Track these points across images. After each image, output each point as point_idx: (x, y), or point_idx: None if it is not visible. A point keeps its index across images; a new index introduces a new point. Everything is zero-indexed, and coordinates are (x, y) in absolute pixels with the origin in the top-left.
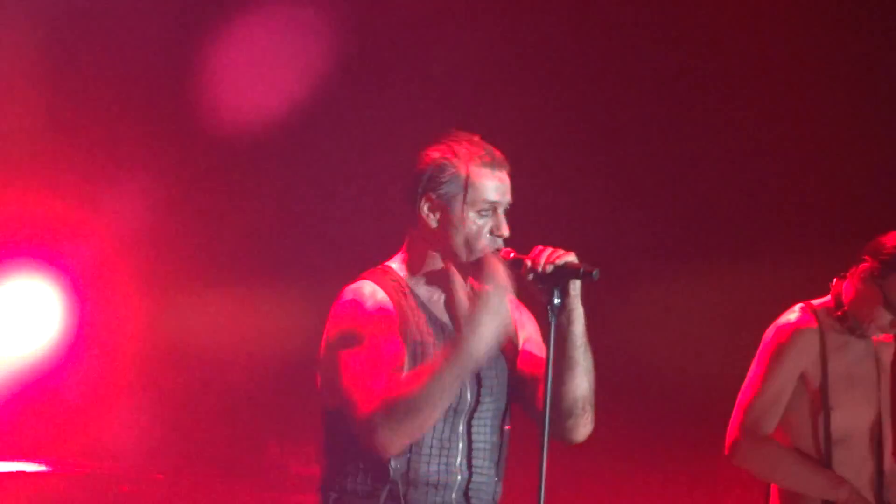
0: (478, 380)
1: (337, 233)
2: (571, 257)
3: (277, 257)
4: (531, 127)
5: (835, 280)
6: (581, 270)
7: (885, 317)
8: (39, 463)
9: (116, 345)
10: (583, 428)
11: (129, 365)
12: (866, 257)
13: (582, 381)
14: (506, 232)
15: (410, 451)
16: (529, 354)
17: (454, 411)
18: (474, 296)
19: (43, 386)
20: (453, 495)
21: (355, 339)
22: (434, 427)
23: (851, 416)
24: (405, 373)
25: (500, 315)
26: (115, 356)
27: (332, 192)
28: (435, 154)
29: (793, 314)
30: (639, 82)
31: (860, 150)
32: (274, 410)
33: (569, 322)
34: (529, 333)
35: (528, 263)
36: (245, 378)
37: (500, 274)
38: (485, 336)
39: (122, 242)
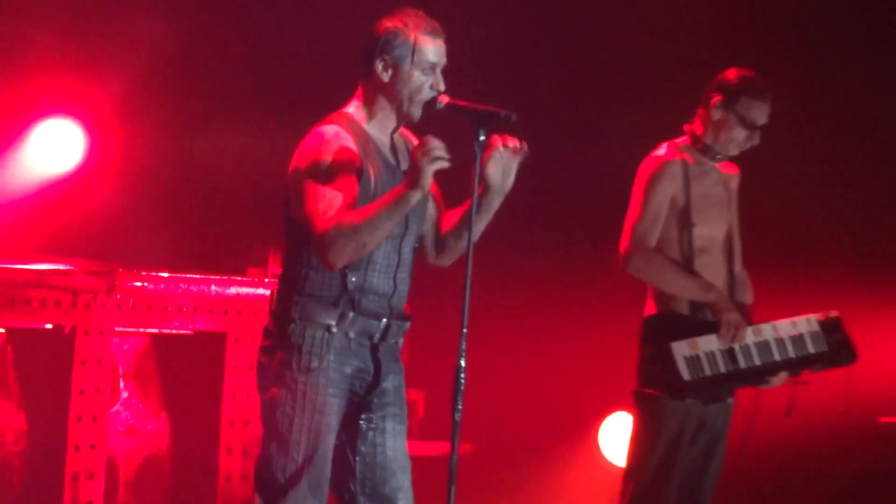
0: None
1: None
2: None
3: (271, 95)
4: None
5: (685, 125)
6: (501, 113)
7: (742, 133)
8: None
9: (135, 164)
10: (454, 259)
11: (147, 181)
12: (713, 93)
13: (484, 220)
14: (442, 86)
15: (366, 267)
16: (439, 192)
17: (393, 236)
18: (416, 151)
19: (70, 195)
20: (388, 302)
21: (319, 170)
22: (384, 248)
23: (709, 230)
24: (357, 205)
25: (429, 178)
26: (134, 174)
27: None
28: (388, 24)
29: (661, 150)
30: None
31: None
32: (261, 217)
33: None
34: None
35: (460, 104)
36: (241, 193)
37: (436, 144)
38: (417, 194)
39: (139, 81)
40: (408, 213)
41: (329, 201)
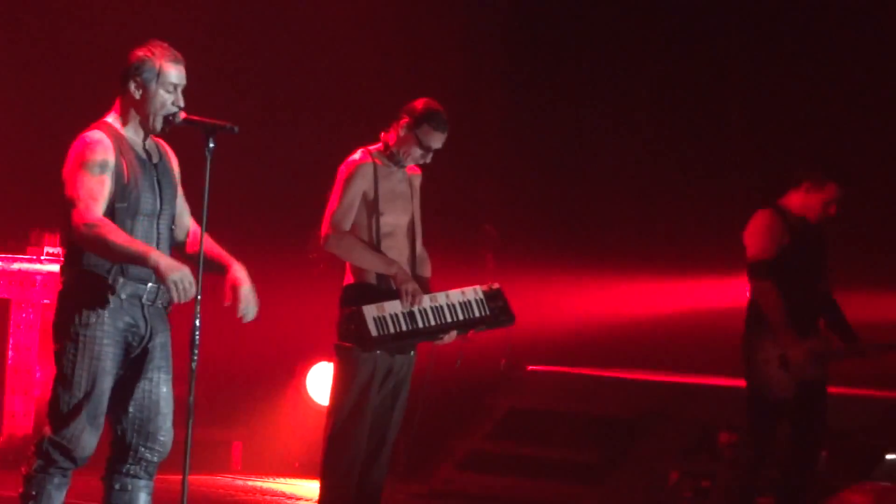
0: (159, 193)
1: None
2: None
3: None
4: None
5: (381, 133)
6: (226, 125)
7: (417, 152)
8: None
9: None
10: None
11: None
12: (404, 115)
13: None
14: (181, 103)
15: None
16: (183, 197)
17: (149, 214)
18: (175, 271)
19: None
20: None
21: (87, 167)
22: (142, 225)
23: (394, 218)
24: (107, 190)
25: (176, 272)
26: None
27: None
28: (140, 52)
29: (356, 155)
30: None
31: None
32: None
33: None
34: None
35: (194, 118)
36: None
37: (186, 274)
38: (158, 268)
39: None
40: (161, 196)
41: (87, 191)
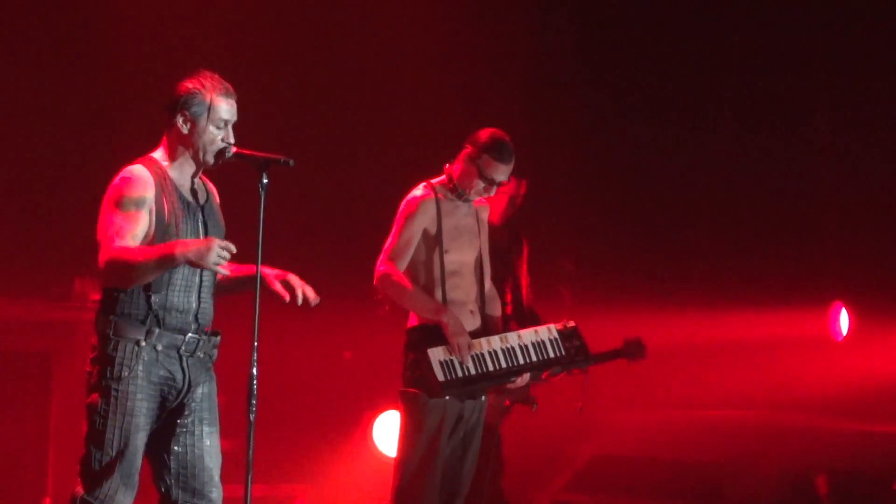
0: (205, 235)
1: None
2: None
3: None
4: None
5: (446, 165)
6: (280, 159)
7: (480, 185)
8: None
9: None
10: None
11: None
12: (467, 145)
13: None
14: (232, 139)
15: (167, 288)
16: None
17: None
18: (210, 242)
19: None
20: (191, 317)
21: (119, 205)
22: (182, 272)
23: (460, 255)
24: (145, 231)
25: (205, 257)
26: None
27: None
28: (189, 84)
29: (418, 190)
30: None
31: None
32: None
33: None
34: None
35: (246, 153)
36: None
37: (218, 250)
38: (187, 257)
39: None
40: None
41: (117, 230)
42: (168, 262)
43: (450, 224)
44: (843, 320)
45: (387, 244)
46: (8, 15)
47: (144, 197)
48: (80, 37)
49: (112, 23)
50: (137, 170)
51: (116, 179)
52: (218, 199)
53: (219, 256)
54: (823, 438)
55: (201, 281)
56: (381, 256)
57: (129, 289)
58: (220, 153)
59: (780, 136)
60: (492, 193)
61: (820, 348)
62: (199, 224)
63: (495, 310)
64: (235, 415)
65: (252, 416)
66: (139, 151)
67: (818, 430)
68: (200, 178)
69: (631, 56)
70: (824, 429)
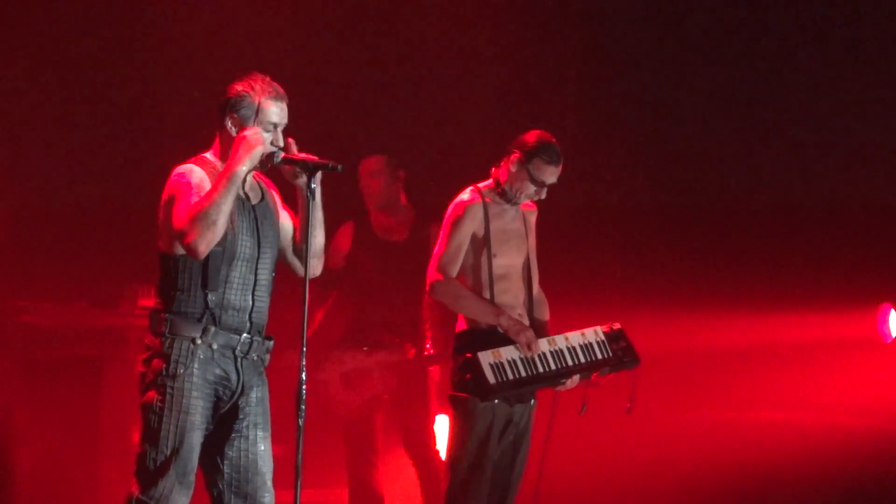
0: (258, 237)
1: None
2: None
3: None
4: None
5: (492, 169)
6: (329, 164)
7: (530, 188)
8: None
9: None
10: (320, 267)
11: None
12: (514, 149)
13: (320, 235)
14: (281, 143)
15: (224, 287)
16: (286, 217)
17: (248, 259)
18: (244, 132)
19: None
20: (246, 316)
21: (180, 196)
22: (239, 270)
23: (508, 259)
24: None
25: (253, 149)
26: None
27: None
28: (238, 87)
29: (465, 195)
30: None
31: None
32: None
33: (313, 197)
34: (281, 205)
35: (295, 157)
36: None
37: (255, 135)
38: (242, 163)
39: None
40: (260, 240)
41: (183, 207)
42: (236, 178)
43: (497, 228)
44: (893, 321)
45: (437, 250)
46: (64, 25)
47: (202, 187)
48: (135, 43)
49: (164, 30)
50: (190, 166)
51: (172, 176)
52: (278, 199)
53: (265, 149)
54: (872, 443)
55: (257, 279)
56: (432, 263)
57: (202, 256)
58: (269, 157)
59: (826, 134)
60: (543, 196)
61: (869, 350)
62: (254, 224)
63: (543, 314)
64: (284, 419)
65: (301, 421)
66: (184, 155)
67: (866, 434)
68: (254, 177)
69: (688, 62)
70: (872, 432)
